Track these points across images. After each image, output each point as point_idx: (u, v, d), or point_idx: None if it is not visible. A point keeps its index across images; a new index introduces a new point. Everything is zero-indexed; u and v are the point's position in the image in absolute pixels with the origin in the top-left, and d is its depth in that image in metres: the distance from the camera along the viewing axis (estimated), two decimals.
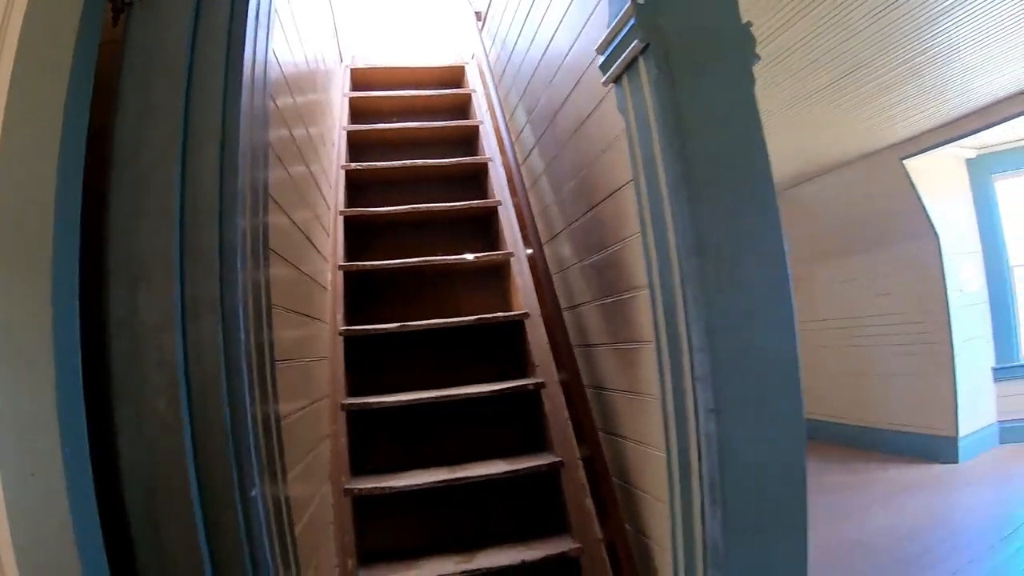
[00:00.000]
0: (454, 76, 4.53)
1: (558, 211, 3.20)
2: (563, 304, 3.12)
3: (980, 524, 4.57)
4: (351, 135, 3.87)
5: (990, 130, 5.85)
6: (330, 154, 3.70)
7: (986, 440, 6.37)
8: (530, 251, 3.39)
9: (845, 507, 5.29)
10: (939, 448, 6.19)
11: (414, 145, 3.98)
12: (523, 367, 3.03)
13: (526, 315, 3.01)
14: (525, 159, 3.59)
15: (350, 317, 3.23)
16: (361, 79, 4.42)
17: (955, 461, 6.07)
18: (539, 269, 3.06)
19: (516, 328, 3.08)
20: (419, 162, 3.62)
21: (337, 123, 4.01)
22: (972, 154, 6.60)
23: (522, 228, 3.35)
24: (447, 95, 4.23)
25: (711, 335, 1.65)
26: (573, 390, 2.74)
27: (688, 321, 1.72)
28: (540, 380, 2.78)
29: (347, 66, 4.58)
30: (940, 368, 6.20)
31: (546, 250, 3.32)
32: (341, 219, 3.50)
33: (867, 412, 6.99)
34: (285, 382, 1.92)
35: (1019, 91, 4.95)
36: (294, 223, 2.37)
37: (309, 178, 2.78)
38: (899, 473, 6.03)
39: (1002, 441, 6.49)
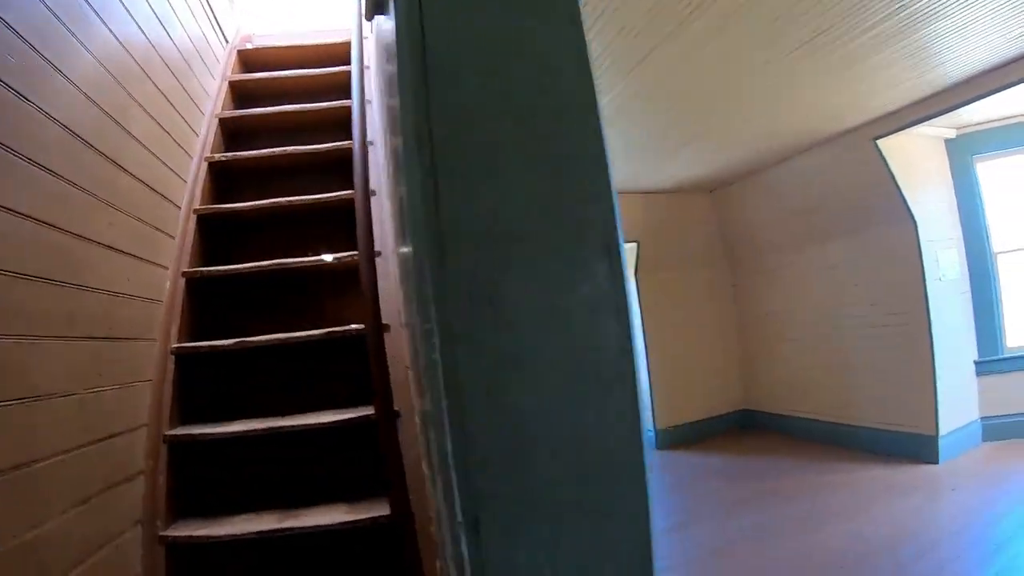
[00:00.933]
0: None
1: None
2: None
3: (962, 536, 4.11)
4: (225, 123, 3.31)
5: (971, 109, 5.40)
6: (192, 146, 3.17)
7: (968, 438, 5.83)
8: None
9: (819, 513, 4.87)
10: (920, 447, 5.75)
11: (305, 131, 3.42)
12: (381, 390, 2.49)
13: (386, 327, 2.46)
14: None
15: (192, 332, 2.70)
16: (254, 60, 3.86)
17: (935, 461, 5.55)
18: None
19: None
20: (289, 149, 3.10)
21: (208, 111, 3.47)
22: (952, 134, 6.02)
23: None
24: (342, 72, 3.66)
25: None
26: None
27: None
28: (393, 408, 2.23)
29: (233, 47, 4.03)
30: (919, 362, 5.67)
31: None
32: (195, 218, 2.96)
33: (846, 408, 6.50)
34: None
35: (998, 64, 4.41)
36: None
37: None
38: (877, 475, 5.57)
39: (985, 439, 5.95)
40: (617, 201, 1.00)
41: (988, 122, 5.99)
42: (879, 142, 5.50)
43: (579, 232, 1.03)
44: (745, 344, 8.23)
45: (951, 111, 5.04)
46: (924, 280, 5.65)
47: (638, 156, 5.68)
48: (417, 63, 1.00)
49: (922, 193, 5.80)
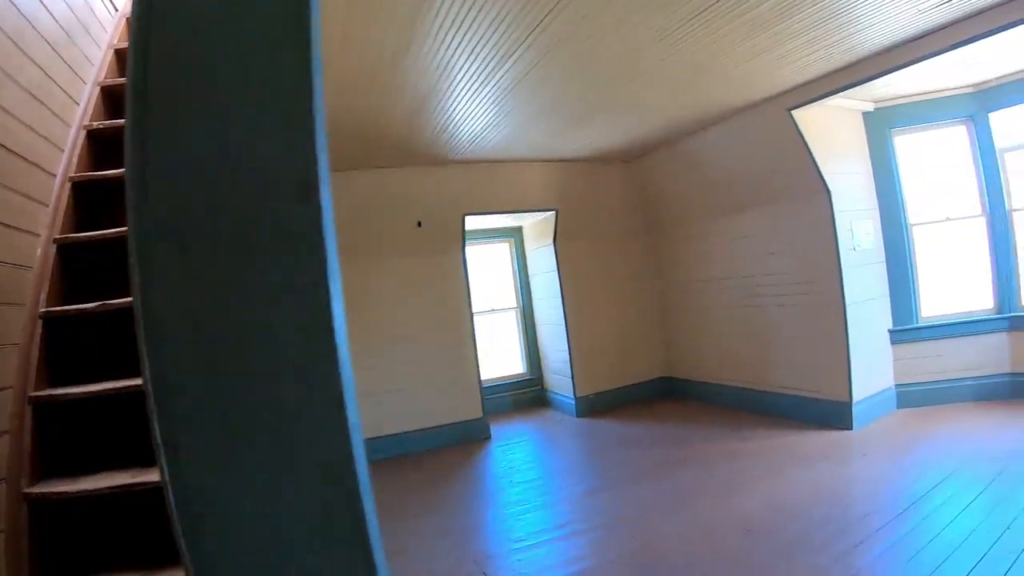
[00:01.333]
0: None
1: None
2: None
3: (870, 500, 4.19)
4: (108, 91, 3.27)
5: (890, 84, 5.49)
6: (71, 115, 3.12)
7: (883, 404, 5.98)
8: None
9: (732, 479, 4.94)
10: (834, 414, 5.88)
11: None
12: None
13: None
14: None
15: (63, 296, 2.69)
16: None
17: (849, 427, 5.69)
18: None
19: None
20: None
21: (91, 80, 3.42)
22: (870, 107, 6.10)
23: None
24: None
25: None
26: None
27: None
28: None
29: (123, 15, 3.96)
30: (832, 330, 5.78)
31: None
32: (69, 186, 2.93)
33: (763, 375, 6.60)
34: None
35: (912, 36, 4.49)
36: None
37: None
38: (792, 441, 5.69)
39: (900, 405, 6.12)
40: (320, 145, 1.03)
41: (906, 96, 6.08)
42: (794, 113, 5.56)
43: (272, 174, 1.06)
44: (665, 312, 8.19)
45: (864, 83, 5.09)
46: (837, 250, 5.75)
47: (549, 124, 5.62)
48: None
49: (837, 164, 5.87)
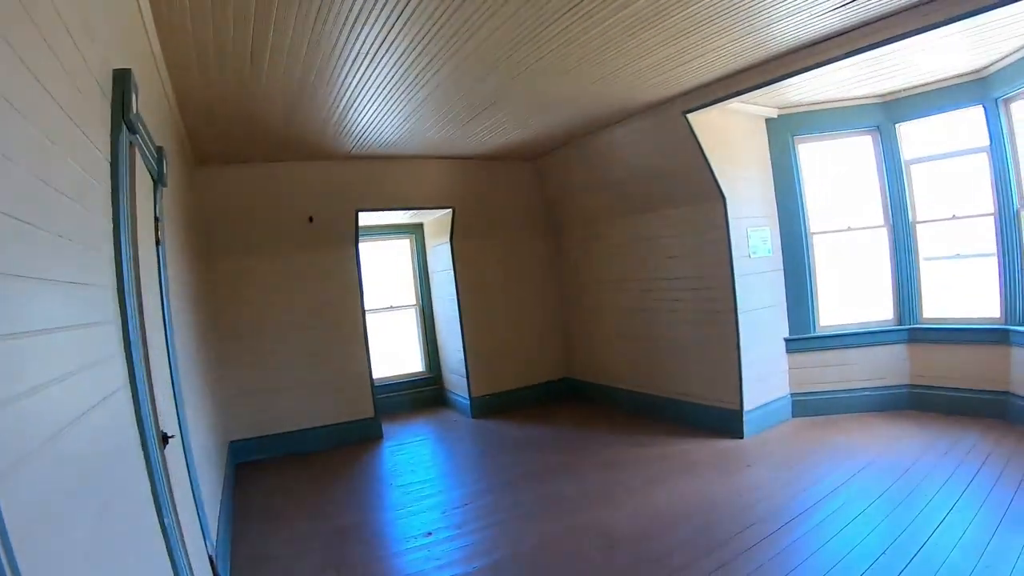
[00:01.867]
0: None
1: None
2: None
3: (753, 511, 4.06)
4: None
5: (796, 90, 5.42)
6: None
7: (776, 413, 5.83)
8: None
9: (614, 487, 4.78)
10: (726, 422, 5.78)
11: None
12: None
13: None
14: None
15: None
16: None
17: (740, 436, 5.55)
18: None
19: None
20: None
21: None
22: (773, 114, 5.98)
23: None
24: None
25: None
26: None
27: None
28: None
29: None
30: (725, 338, 5.64)
31: None
32: None
33: (660, 381, 6.47)
34: None
35: (815, 39, 4.30)
36: None
37: None
38: (683, 449, 5.54)
39: (795, 414, 5.98)
40: None
41: (812, 104, 5.97)
42: (689, 116, 5.42)
43: None
44: (567, 314, 7.99)
45: (761, 88, 4.94)
46: (731, 257, 5.62)
47: (440, 117, 5.38)
48: None
49: (736, 170, 5.76)
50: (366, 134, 5.58)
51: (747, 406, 5.58)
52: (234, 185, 5.89)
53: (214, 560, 3.15)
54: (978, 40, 4.53)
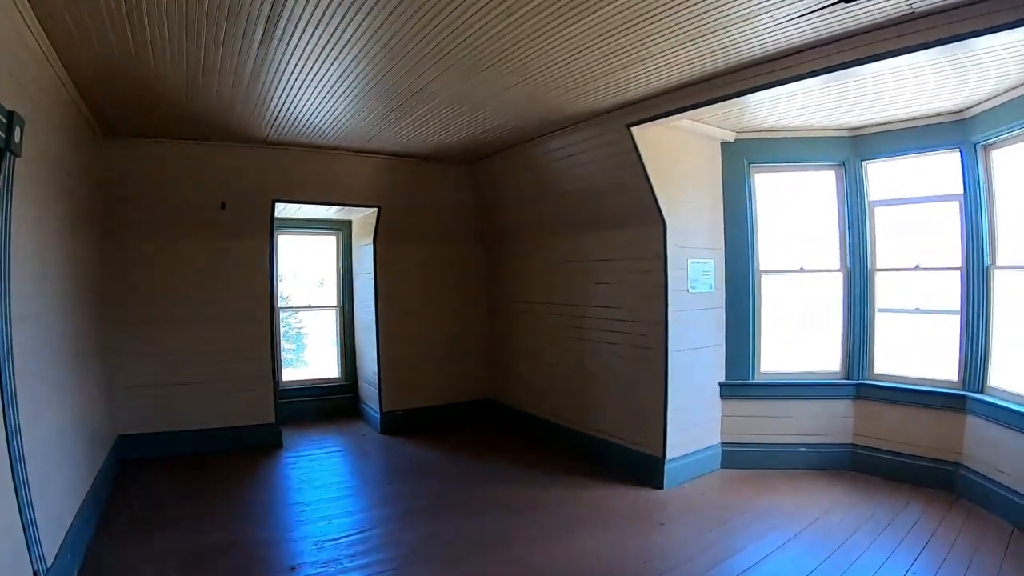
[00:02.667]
0: None
1: None
2: None
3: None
4: None
5: (755, 112, 4.81)
6: None
7: (704, 463, 5.21)
8: None
9: (503, 534, 4.15)
10: (647, 469, 5.14)
11: None
12: None
13: None
14: None
15: None
16: None
17: (660, 486, 4.94)
18: None
19: None
20: None
21: None
22: (730, 137, 5.30)
23: None
24: None
25: None
26: None
27: None
28: None
29: None
30: (652, 377, 4.99)
31: None
32: None
33: (584, 416, 5.85)
34: None
35: (781, 51, 3.65)
36: None
37: None
38: (595, 495, 4.89)
39: (724, 465, 5.32)
40: None
41: (773, 131, 5.32)
42: (634, 130, 4.73)
43: None
44: (495, 331, 7.29)
45: (710, 104, 4.28)
46: (666, 289, 4.93)
47: (361, 109, 4.78)
48: None
49: (680, 194, 5.14)
50: (279, 118, 4.96)
51: (670, 454, 4.91)
52: (144, 161, 5.29)
53: None
54: (959, 78, 3.94)
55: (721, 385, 5.39)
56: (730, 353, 5.40)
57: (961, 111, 4.65)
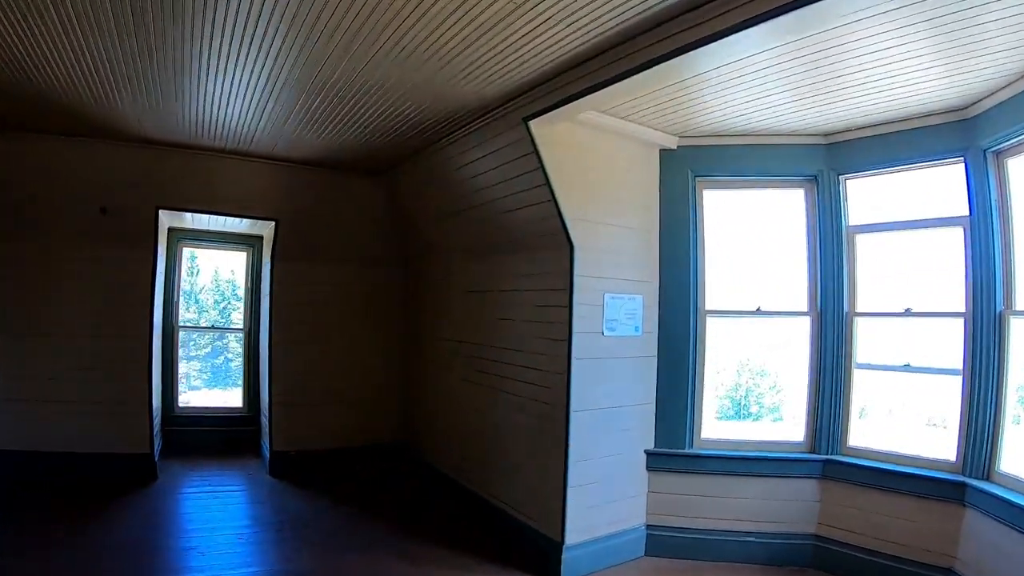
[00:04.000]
0: None
1: None
2: None
3: None
4: None
5: (704, 109, 3.66)
6: None
7: (621, 550, 4.02)
8: None
9: None
10: (543, 554, 3.91)
11: None
12: None
13: None
14: None
15: None
16: None
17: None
18: None
19: None
20: None
21: None
22: (671, 143, 4.03)
23: None
24: None
25: None
26: None
27: None
28: None
29: None
30: (552, 440, 3.74)
31: None
32: None
33: (488, 480, 4.68)
34: None
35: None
36: None
37: None
38: None
39: (649, 551, 4.09)
40: None
41: (725, 135, 4.05)
42: (532, 125, 3.49)
43: None
44: (410, 366, 6.10)
45: (624, 80, 2.98)
46: (570, 331, 3.64)
47: (260, 105, 3.88)
48: None
49: (599, 212, 3.95)
50: (157, 110, 3.99)
51: (572, 538, 3.67)
52: (13, 159, 4.52)
53: None
54: (958, 59, 2.80)
55: (648, 454, 4.07)
56: (662, 414, 4.09)
57: (965, 108, 3.26)
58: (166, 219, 5.54)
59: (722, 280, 4.19)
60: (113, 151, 4.71)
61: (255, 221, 5.69)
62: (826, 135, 3.99)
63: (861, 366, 4.00)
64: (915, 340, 3.93)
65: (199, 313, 7.27)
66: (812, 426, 4.06)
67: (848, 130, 3.86)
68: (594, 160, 3.88)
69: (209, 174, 5.05)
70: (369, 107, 3.86)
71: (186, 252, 6.67)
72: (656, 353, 4.14)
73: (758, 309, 4.17)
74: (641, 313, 4.04)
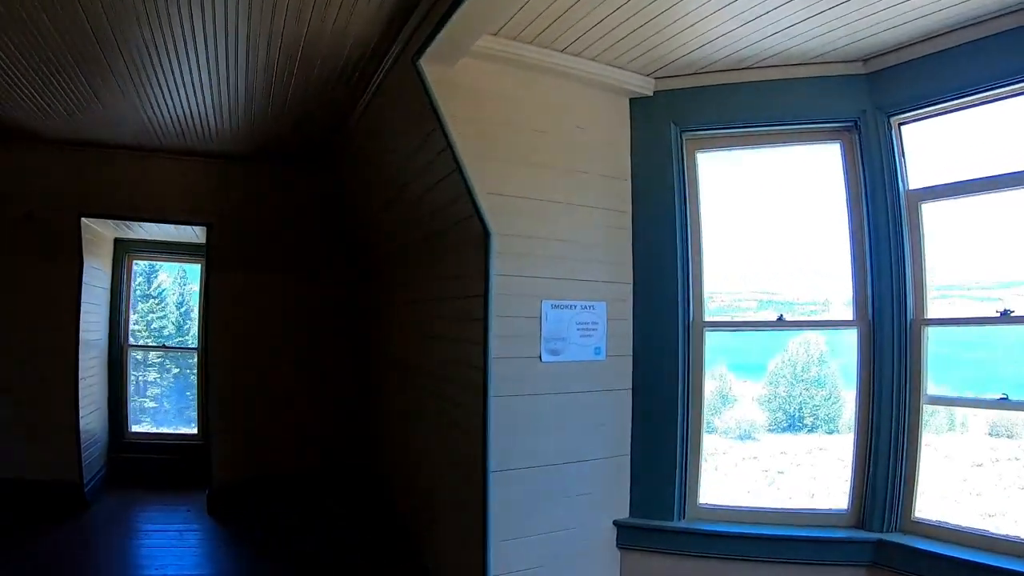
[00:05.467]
0: None
1: None
2: None
3: None
4: None
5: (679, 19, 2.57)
6: None
7: None
8: None
9: None
10: None
11: None
12: None
13: None
14: None
15: None
16: None
17: None
18: None
19: None
20: None
21: None
22: (646, 88, 2.94)
23: None
24: None
25: None
26: None
27: None
28: None
29: None
30: (471, 511, 2.58)
31: None
32: None
33: (422, 532, 3.50)
34: None
35: None
36: None
37: None
38: None
39: None
40: None
41: (721, 70, 2.89)
42: (424, 66, 2.48)
43: None
44: (361, 390, 5.16)
45: None
46: (485, 354, 2.57)
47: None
48: None
49: (532, 183, 2.85)
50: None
51: None
52: None
53: None
54: None
55: (620, 527, 2.87)
56: (640, 472, 2.90)
57: None
58: (107, 230, 5.13)
59: (726, 277, 2.91)
60: (36, 153, 4.36)
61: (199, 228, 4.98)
62: (866, 59, 2.70)
63: (934, 399, 2.67)
64: (1017, 359, 2.57)
65: (160, 332, 6.70)
66: (860, 490, 2.74)
67: (899, 47, 2.55)
68: (529, 114, 2.76)
69: (131, 173, 4.59)
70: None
71: (140, 265, 6.20)
72: (631, 385, 2.91)
73: (780, 318, 2.88)
74: (603, 328, 2.84)
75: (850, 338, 2.82)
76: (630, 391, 2.96)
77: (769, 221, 3.08)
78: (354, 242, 4.93)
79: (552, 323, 2.74)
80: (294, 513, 4.75)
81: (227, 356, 4.85)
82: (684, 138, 3.00)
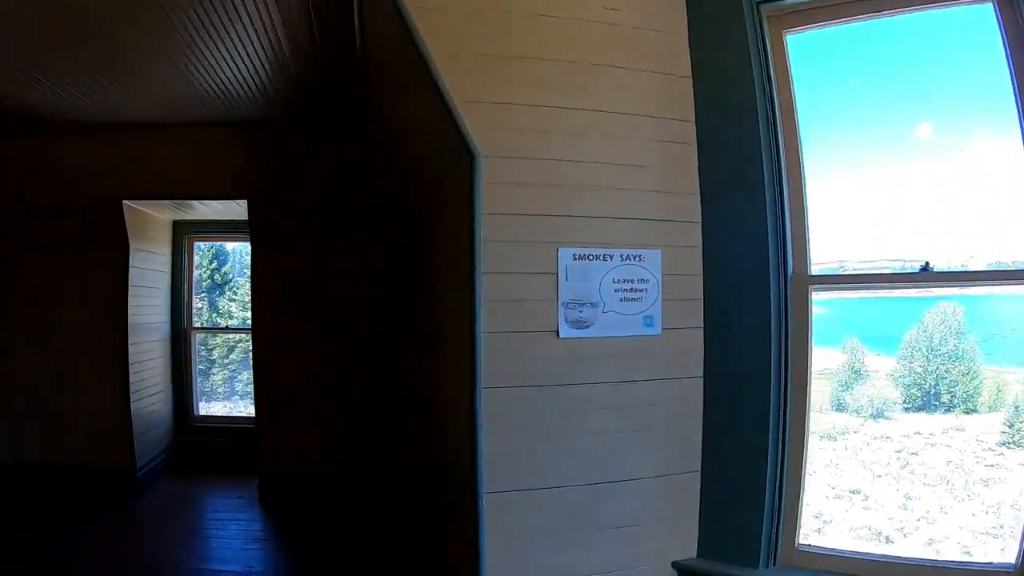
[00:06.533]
0: None
1: None
2: None
3: None
4: None
5: None
6: None
7: None
8: None
9: None
10: None
11: None
12: None
13: None
14: None
15: None
16: None
17: None
18: None
19: None
20: None
21: None
22: None
23: None
24: None
25: None
26: None
27: None
28: None
29: None
30: (461, 541, 1.77)
31: None
32: None
33: (456, 548, 2.62)
34: None
35: None
36: None
37: None
38: None
39: None
40: None
41: None
42: None
43: None
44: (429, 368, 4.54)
45: None
46: (473, 328, 1.78)
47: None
48: None
49: (532, 87, 2.06)
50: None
51: None
52: None
53: None
54: None
55: (682, 572, 1.91)
56: (713, 498, 1.95)
57: None
58: (163, 213, 5.15)
59: (837, 215, 1.95)
60: (62, 142, 4.34)
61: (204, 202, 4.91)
62: None
63: None
64: None
65: (229, 314, 6.74)
66: None
67: None
68: None
69: (169, 150, 4.48)
70: None
71: (205, 247, 6.33)
72: (700, 371, 2.00)
73: (926, 266, 1.87)
74: (657, 289, 1.95)
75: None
76: (700, 381, 2.04)
77: (892, 122, 2.04)
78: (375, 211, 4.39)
79: (575, 281, 1.90)
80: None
81: (271, 336, 4.72)
82: (763, 12, 2.03)
